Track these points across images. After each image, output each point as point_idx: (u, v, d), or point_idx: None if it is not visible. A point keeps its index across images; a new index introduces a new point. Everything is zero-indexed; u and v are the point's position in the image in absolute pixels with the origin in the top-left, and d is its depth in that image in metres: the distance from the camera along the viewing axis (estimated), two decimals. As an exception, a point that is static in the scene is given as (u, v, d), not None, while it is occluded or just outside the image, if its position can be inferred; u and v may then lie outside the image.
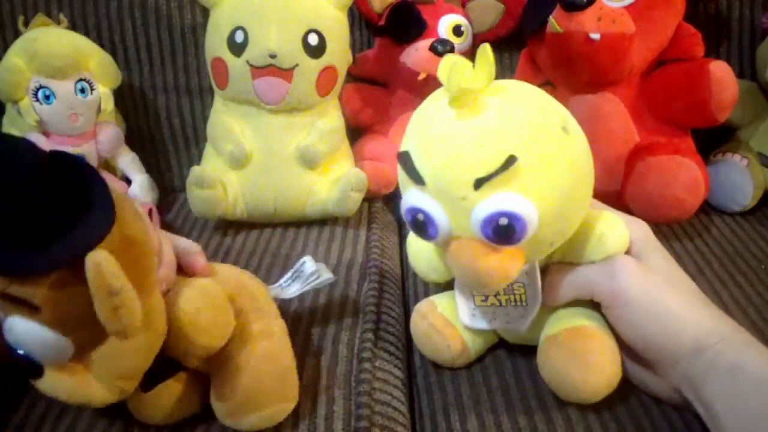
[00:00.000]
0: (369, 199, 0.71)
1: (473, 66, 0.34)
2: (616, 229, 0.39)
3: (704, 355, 0.35)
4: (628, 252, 0.40)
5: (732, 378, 0.34)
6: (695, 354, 0.36)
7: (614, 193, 0.61)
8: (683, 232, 0.63)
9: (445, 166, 0.34)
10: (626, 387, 0.41)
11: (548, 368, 0.40)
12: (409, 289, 0.59)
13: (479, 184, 0.33)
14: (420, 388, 0.46)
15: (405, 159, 0.36)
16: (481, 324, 0.43)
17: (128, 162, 0.69)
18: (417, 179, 0.35)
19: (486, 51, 0.33)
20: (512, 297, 0.41)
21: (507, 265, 0.35)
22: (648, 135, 0.62)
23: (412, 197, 0.36)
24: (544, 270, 0.41)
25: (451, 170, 0.34)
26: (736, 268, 0.57)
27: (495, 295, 0.42)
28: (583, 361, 0.39)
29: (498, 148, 0.33)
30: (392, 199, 0.74)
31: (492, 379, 0.44)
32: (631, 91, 0.63)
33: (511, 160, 0.32)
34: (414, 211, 0.36)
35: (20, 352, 0.33)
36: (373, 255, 0.60)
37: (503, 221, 0.33)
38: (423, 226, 0.36)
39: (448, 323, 0.44)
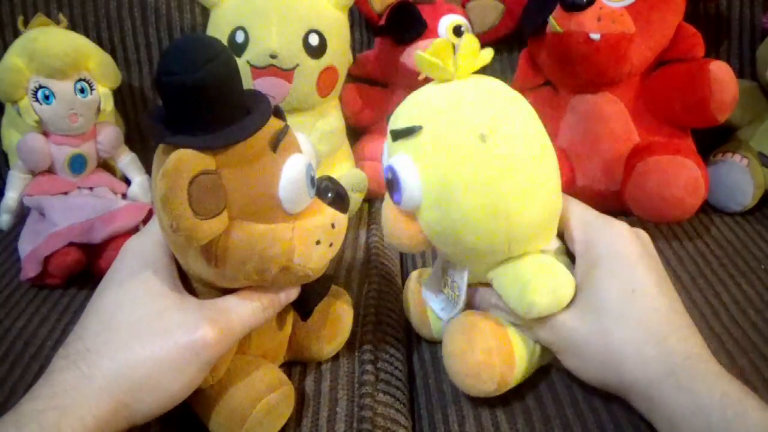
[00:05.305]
0: (369, 199, 0.71)
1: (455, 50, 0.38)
2: (550, 283, 0.38)
3: (638, 399, 0.37)
4: (628, 252, 0.39)
5: (670, 425, 0.35)
6: (629, 396, 0.37)
7: (614, 193, 0.61)
8: (683, 232, 0.63)
9: (391, 122, 0.40)
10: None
11: (444, 344, 0.42)
12: (409, 289, 0.59)
13: (393, 137, 0.38)
14: (418, 389, 0.46)
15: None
16: (436, 308, 0.45)
17: (128, 162, 0.69)
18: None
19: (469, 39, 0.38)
20: (452, 295, 0.44)
21: (400, 225, 0.39)
22: (648, 135, 0.62)
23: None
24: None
25: (390, 125, 0.40)
26: (736, 268, 0.56)
27: (447, 286, 0.44)
28: (465, 337, 0.40)
29: (416, 116, 0.38)
30: (392, 199, 0.74)
31: (492, 380, 0.44)
32: (631, 91, 0.63)
33: (416, 128, 0.37)
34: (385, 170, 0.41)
35: None
36: (373, 256, 0.60)
37: (389, 174, 0.38)
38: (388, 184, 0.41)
39: (419, 292, 0.47)
